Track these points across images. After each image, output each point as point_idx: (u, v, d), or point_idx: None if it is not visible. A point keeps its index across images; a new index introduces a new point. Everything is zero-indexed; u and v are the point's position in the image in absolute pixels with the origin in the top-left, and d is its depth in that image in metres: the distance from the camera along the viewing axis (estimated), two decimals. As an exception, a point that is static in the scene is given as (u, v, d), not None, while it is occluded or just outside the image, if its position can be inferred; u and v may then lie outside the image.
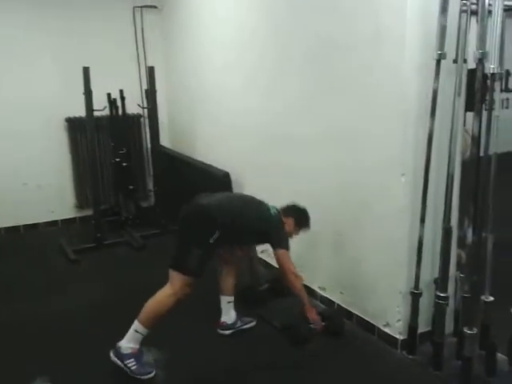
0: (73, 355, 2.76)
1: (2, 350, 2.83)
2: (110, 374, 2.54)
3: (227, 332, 2.93)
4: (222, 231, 2.53)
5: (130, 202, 5.08)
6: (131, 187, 5.03)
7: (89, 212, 4.93)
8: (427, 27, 2.41)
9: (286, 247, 2.73)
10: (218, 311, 2.99)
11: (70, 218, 5.23)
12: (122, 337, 2.59)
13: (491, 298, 2.49)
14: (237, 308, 3.01)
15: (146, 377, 2.49)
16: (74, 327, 3.06)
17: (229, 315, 2.95)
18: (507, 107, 7.57)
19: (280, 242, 2.72)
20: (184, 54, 5.02)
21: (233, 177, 3.94)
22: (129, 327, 2.62)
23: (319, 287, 3.30)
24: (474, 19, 2.32)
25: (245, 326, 2.97)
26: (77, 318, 3.19)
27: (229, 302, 2.95)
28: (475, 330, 2.36)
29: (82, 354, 2.76)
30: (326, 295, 3.26)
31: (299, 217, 2.92)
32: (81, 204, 5.23)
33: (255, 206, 2.79)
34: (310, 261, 3.04)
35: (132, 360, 2.48)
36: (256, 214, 2.74)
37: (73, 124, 5.05)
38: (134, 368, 2.47)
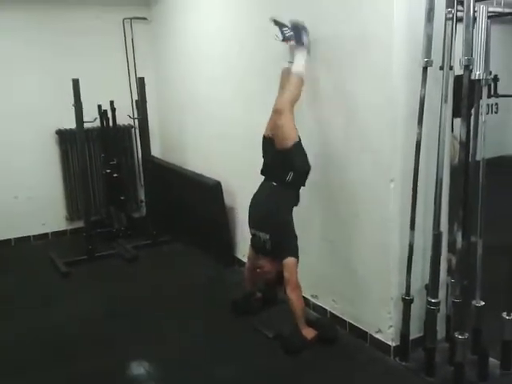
0: (64, 368, 2.73)
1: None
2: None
3: None
4: None
5: (122, 213, 5.06)
6: (122, 198, 5.03)
7: (80, 224, 4.89)
8: (414, 34, 2.43)
9: (296, 256, 2.84)
10: (216, 323, 2.98)
11: (61, 231, 5.19)
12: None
13: (482, 303, 2.50)
14: (229, 318, 2.96)
15: None
16: (66, 339, 3.03)
17: None
18: (496, 112, 7.67)
19: (292, 250, 2.84)
20: (173, 64, 5.03)
21: (224, 186, 3.94)
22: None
23: (311, 295, 3.29)
24: (460, 26, 2.34)
25: None
26: (68, 331, 3.15)
27: None
28: (466, 335, 2.36)
29: (73, 367, 2.73)
30: (318, 303, 3.25)
31: None
32: (71, 216, 5.19)
33: None
34: (301, 268, 3.02)
35: None
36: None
37: (63, 136, 5.03)
38: None
